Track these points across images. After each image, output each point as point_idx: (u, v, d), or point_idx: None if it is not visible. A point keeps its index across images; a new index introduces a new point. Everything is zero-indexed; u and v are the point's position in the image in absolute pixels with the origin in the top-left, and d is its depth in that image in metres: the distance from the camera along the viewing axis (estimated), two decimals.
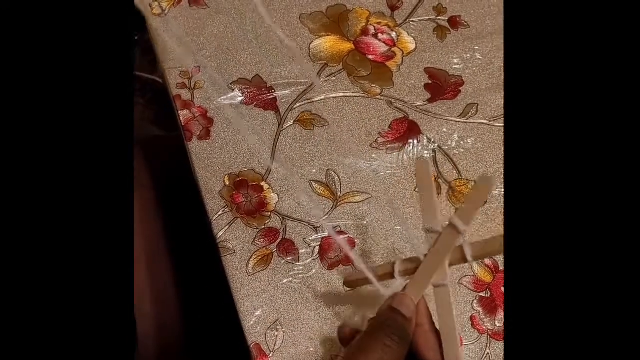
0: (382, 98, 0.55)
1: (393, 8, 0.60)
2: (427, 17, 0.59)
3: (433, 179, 0.39)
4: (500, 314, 0.47)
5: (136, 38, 0.90)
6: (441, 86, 0.56)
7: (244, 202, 0.50)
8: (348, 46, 0.57)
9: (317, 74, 0.56)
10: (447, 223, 0.35)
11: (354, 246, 0.48)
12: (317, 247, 0.48)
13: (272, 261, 0.48)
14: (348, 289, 0.45)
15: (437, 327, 0.36)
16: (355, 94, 0.55)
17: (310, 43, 0.57)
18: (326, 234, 0.48)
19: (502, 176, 0.51)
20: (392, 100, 0.55)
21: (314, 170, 0.51)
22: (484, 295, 0.47)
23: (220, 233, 0.49)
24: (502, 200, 0.50)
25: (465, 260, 0.36)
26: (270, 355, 0.45)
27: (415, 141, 0.53)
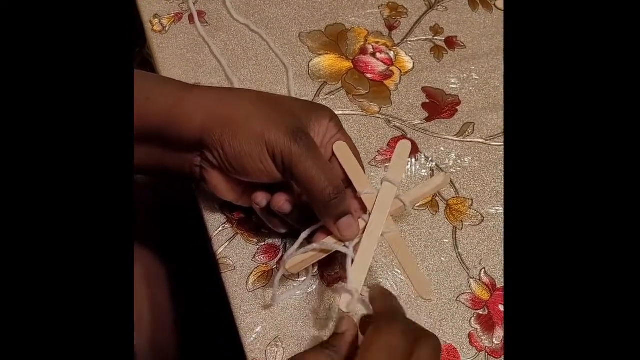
0: (380, 116, 0.56)
1: (391, 28, 0.61)
2: (424, 37, 0.60)
3: (352, 154, 0.44)
4: (498, 332, 0.47)
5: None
6: (438, 105, 0.57)
7: (245, 218, 0.50)
8: (347, 65, 0.58)
9: (316, 92, 0.56)
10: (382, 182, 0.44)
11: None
12: (317, 264, 0.48)
13: (272, 278, 0.48)
14: (290, 272, 0.45)
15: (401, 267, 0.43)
16: (353, 112, 0.56)
17: (310, 61, 0.58)
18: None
19: (501, 195, 0.52)
20: (390, 119, 0.56)
21: None
22: (481, 312, 0.48)
23: (220, 249, 0.49)
24: (500, 219, 0.51)
25: (404, 208, 0.44)
26: None
27: (413, 159, 0.54)
